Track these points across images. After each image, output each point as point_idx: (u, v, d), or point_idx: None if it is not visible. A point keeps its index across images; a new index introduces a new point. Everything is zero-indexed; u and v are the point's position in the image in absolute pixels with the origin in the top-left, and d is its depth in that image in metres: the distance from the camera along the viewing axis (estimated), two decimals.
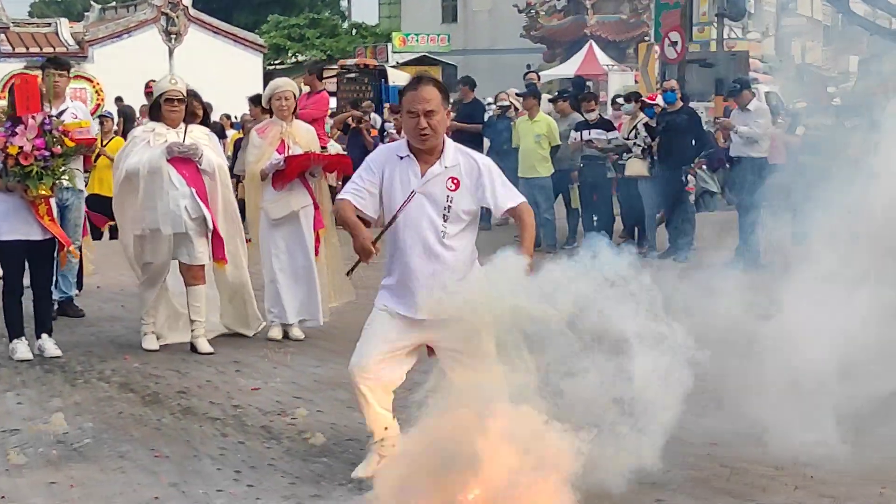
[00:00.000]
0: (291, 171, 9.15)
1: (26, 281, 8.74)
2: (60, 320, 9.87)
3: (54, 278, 9.46)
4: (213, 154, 8.97)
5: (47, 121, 8.37)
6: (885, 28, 30.61)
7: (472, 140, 17.84)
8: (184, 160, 8.75)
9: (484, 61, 48.23)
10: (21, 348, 8.63)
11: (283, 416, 7.15)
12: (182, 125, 8.90)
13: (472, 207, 5.67)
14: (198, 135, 9.00)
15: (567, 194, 15.62)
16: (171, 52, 34.28)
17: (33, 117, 8.29)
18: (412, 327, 5.67)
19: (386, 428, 5.82)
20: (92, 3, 40.24)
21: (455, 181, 5.61)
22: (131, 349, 9.11)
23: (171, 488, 5.81)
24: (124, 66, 30.85)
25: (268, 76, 35.09)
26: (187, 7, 35.42)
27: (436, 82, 5.69)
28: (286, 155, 9.21)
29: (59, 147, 8.36)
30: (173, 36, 34.75)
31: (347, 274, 6.65)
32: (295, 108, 9.53)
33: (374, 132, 20.09)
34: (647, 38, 36.81)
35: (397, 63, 49.85)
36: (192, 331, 9.01)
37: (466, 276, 5.60)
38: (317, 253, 9.44)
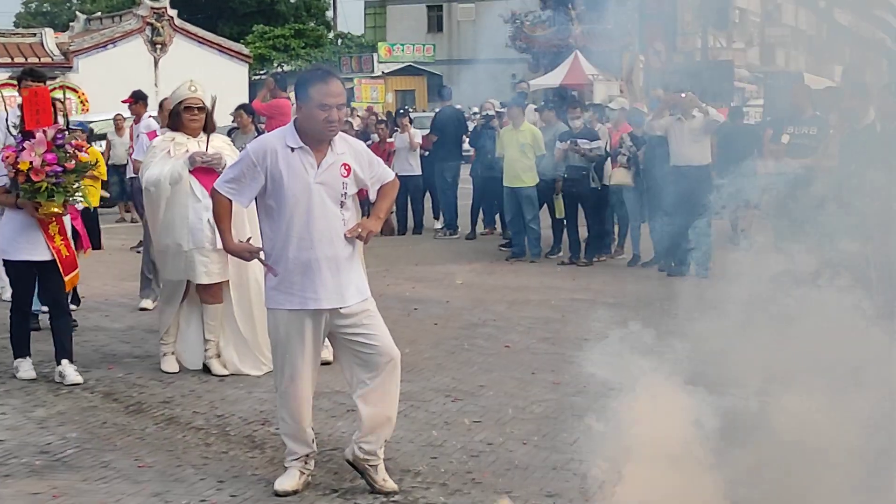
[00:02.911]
0: None
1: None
2: (43, 330, 9.83)
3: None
4: None
5: (60, 135, 8.08)
6: (869, 38, 30.75)
7: (449, 144, 18.13)
8: (206, 170, 8.32)
9: (469, 71, 48.33)
10: (25, 366, 8.38)
11: (266, 425, 7.16)
12: (202, 134, 8.54)
13: (355, 191, 5.83)
14: (219, 144, 8.65)
15: (551, 204, 15.65)
16: (156, 62, 34.33)
17: (44, 131, 8.00)
18: (320, 319, 5.73)
19: (313, 440, 5.99)
20: (77, 13, 40.29)
21: (347, 167, 5.74)
22: (115, 359, 9.11)
23: (154, 498, 5.82)
24: (110, 76, 30.90)
25: (253, 86, 35.16)
26: (172, 17, 35.47)
27: (337, 76, 5.80)
28: None
29: (71, 163, 8.04)
30: (158, 46, 34.84)
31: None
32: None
33: None
34: (632, 48, 36.92)
35: (383, 73, 50.02)
36: (206, 350, 8.67)
37: (356, 255, 5.83)
38: None
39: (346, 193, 5.71)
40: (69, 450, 6.65)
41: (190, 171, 8.36)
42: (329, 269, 5.66)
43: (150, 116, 14.85)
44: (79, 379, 8.28)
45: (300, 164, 5.64)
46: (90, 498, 5.82)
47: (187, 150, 8.43)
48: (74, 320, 10.03)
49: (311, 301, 5.68)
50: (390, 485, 5.86)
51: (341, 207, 5.71)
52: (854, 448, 4.98)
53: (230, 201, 5.82)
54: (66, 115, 8.66)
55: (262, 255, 5.81)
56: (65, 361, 8.33)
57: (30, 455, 6.54)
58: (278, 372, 5.87)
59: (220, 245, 8.39)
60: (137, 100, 15.24)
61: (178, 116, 8.56)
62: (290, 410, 5.86)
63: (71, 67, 33.83)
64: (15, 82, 12.57)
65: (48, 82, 10.35)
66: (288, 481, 5.87)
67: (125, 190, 19.68)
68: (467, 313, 11.23)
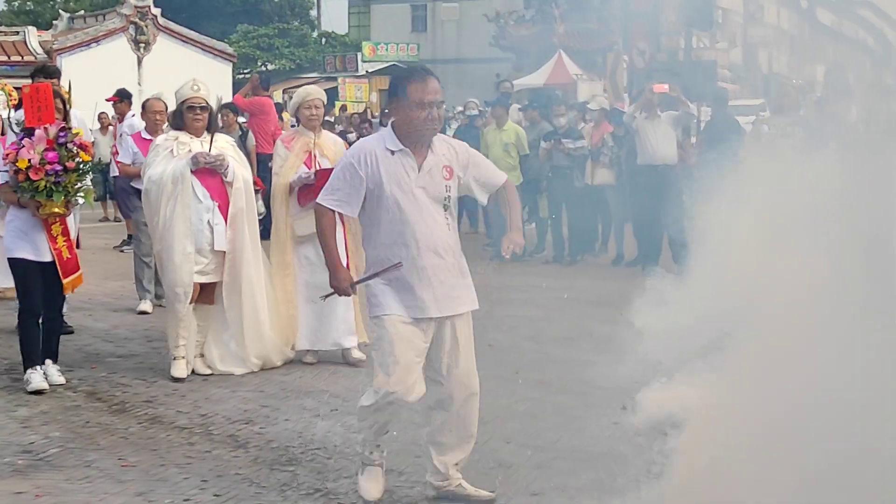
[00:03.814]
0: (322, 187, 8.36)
1: None
2: None
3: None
4: (239, 166, 8.51)
5: (62, 133, 7.89)
6: (851, 38, 30.89)
7: None
8: (209, 172, 8.28)
9: (453, 70, 48.36)
10: (36, 379, 8.04)
11: (250, 424, 7.15)
12: (206, 134, 8.46)
13: (457, 195, 5.64)
14: (223, 145, 8.56)
15: (535, 203, 15.68)
16: (140, 61, 34.25)
17: (45, 129, 7.83)
18: (424, 327, 5.51)
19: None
20: (60, 11, 40.13)
21: (449, 170, 5.56)
22: (98, 358, 9.09)
23: (137, 497, 5.81)
24: (93, 75, 30.73)
25: (237, 85, 35.09)
26: (156, 16, 35.36)
27: (433, 74, 5.63)
28: (316, 169, 8.61)
29: (72, 162, 7.86)
30: (142, 45, 34.71)
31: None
32: (323, 118, 9.06)
33: None
34: (615, 48, 36.98)
35: (367, 72, 50.00)
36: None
37: (461, 265, 5.60)
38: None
39: (448, 197, 5.52)
40: (52, 449, 6.63)
41: (192, 172, 8.27)
42: (435, 276, 5.46)
43: (132, 115, 14.83)
44: (61, 379, 8.21)
45: (401, 168, 5.46)
46: (73, 497, 5.80)
47: (190, 150, 8.34)
48: (70, 326, 9.93)
49: (415, 310, 5.47)
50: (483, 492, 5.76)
51: (445, 211, 5.53)
52: None
53: (334, 214, 5.58)
54: (68, 112, 8.40)
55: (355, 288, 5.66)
56: (48, 361, 8.22)
57: (13, 454, 6.52)
58: (382, 375, 5.46)
59: (217, 246, 8.35)
60: (122, 98, 15.21)
61: (181, 116, 8.47)
62: (382, 413, 5.55)
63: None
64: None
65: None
66: (374, 485, 5.69)
67: (108, 189, 19.64)
68: None
